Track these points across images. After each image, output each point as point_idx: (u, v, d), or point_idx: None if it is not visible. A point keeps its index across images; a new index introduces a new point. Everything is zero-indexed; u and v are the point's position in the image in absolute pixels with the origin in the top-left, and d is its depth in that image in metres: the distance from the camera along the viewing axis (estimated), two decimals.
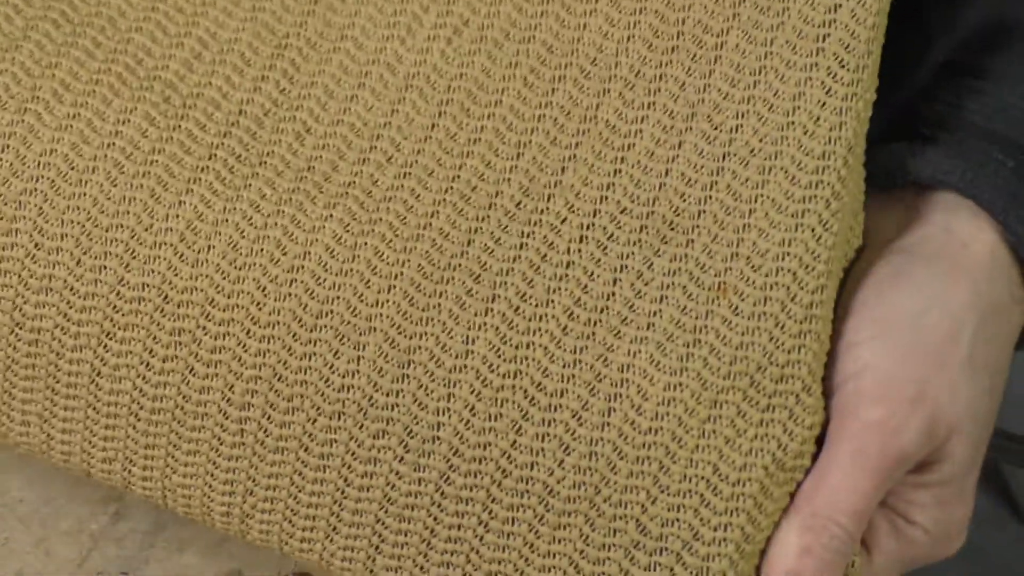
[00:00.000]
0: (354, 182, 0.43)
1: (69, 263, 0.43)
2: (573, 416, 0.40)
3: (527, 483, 0.41)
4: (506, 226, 0.42)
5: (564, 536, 0.41)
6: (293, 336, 0.41)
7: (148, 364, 0.43)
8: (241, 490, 0.43)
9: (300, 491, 0.43)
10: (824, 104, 0.40)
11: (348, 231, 0.42)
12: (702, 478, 0.40)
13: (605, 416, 0.40)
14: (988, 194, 0.42)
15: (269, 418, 0.42)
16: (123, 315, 0.43)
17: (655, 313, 0.40)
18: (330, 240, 0.42)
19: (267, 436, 0.42)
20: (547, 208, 0.42)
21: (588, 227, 0.41)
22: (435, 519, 0.41)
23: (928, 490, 0.41)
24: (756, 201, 0.40)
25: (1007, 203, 0.42)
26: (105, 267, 0.43)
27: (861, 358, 0.40)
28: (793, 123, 0.40)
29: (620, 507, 0.40)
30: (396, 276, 0.41)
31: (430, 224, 0.42)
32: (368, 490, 0.42)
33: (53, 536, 0.49)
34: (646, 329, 0.40)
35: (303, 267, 0.41)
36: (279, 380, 0.42)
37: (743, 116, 0.41)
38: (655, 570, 0.40)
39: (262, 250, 0.42)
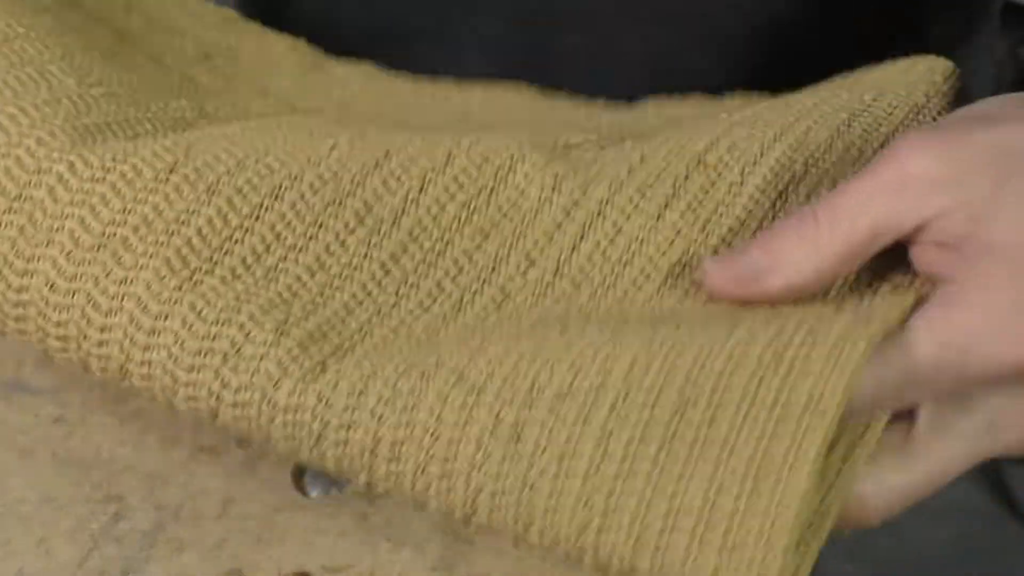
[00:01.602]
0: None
1: None
2: (545, 234, 0.42)
3: (483, 283, 0.42)
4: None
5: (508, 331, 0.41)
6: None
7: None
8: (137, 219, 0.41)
9: (215, 233, 0.41)
10: None
11: None
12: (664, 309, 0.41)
13: (577, 240, 0.42)
14: None
15: (209, 166, 0.42)
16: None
17: (637, 165, 0.43)
18: None
19: (200, 179, 0.42)
20: None
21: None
22: (368, 294, 0.41)
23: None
24: None
25: None
26: None
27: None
28: None
29: (582, 315, 0.41)
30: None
31: None
32: (300, 251, 0.41)
33: (53, 536, 0.49)
34: (627, 174, 0.43)
35: None
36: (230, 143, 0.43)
37: None
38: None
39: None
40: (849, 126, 0.45)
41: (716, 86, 0.61)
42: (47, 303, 0.41)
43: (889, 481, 0.39)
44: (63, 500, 0.50)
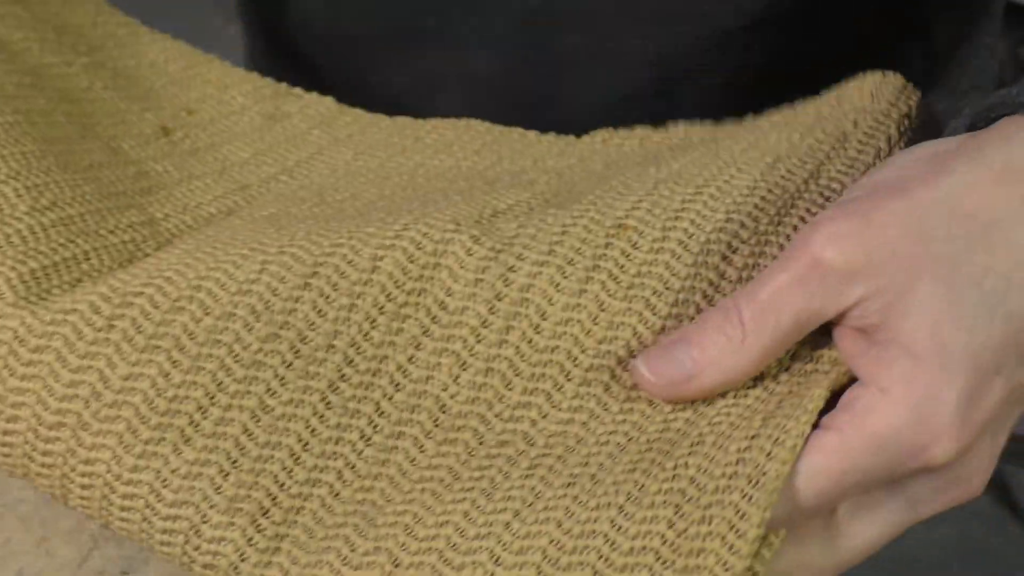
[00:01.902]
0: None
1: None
2: (472, 332, 0.41)
3: (419, 397, 0.41)
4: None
5: (449, 450, 0.40)
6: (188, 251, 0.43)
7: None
8: (87, 391, 0.41)
9: (159, 394, 0.41)
10: None
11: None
12: (593, 396, 0.41)
13: (503, 333, 0.41)
14: None
15: (147, 315, 0.42)
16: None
17: (557, 240, 0.42)
18: None
19: (138, 332, 0.41)
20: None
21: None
22: (312, 431, 0.40)
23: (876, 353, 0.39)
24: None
25: None
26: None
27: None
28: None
29: (511, 422, 0.41)
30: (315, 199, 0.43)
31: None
32: (243, 396, 0.40)
33: (53, 536, 0.49)
34: (547, 254, 0.42)
35: None
36: (167, 282, 0.42)
37: None
38: (535, 471, 0.39)
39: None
40: (773, 168, 0.45)
41: (716, 85, 0.61)
42: (31, 460, 0.43)
43: (814, 563, 0.40)
44: None
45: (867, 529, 0.40)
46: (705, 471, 0.38)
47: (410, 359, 0.42)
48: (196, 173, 0.53)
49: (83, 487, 0.41)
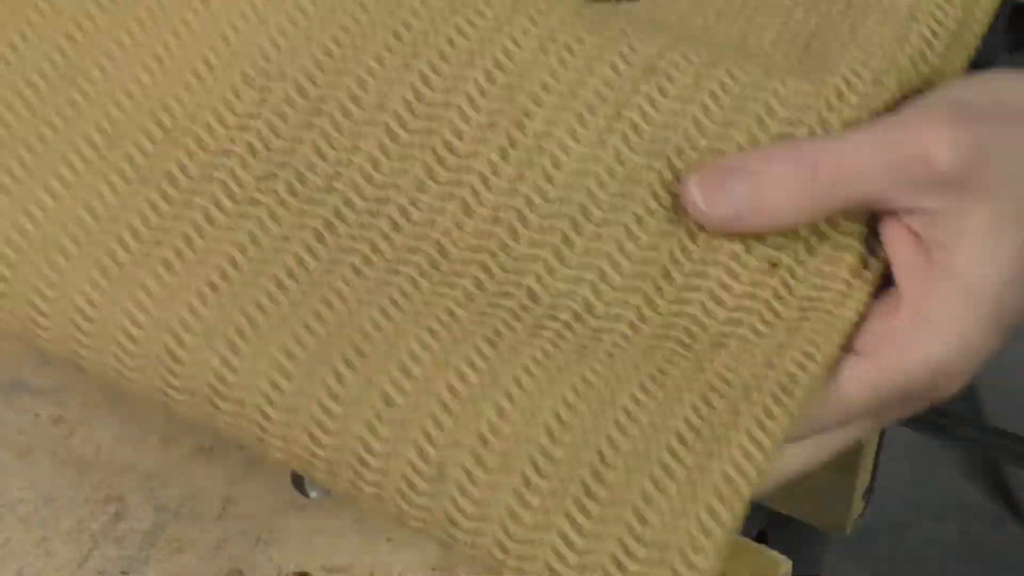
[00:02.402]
0: None
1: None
2: (480, 178, 0.39)
3: (417, 240, 0.39)
4: None
5: (447, 292, 0.38)
6: (196, 76, 0.41)
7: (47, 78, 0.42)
8: (69, 217, 0.40)
9: (146, 225, 0.39)
10: None
11: None
12: (605, 253, 0.39)
13: (514, 182, 0.39)
14: None
15: (140, 147, 0.40)
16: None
17: (579, 83, 0.39)
18: None
19: (129, 165, 0.40)
20: None
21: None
22: (301, 263, 0.39)
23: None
24: None
25: None
26: None
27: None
28: None
29: (514, 274, 0.39)
30: (316, 29, 0.40)
31: None
32: (232, 231, 0.39)
33: (53, 536, 0.49)
34: (568, 96, 0.39)
35: (222, 18, 0.41)
36: (165, 111, 0.41)
37: None
38: (542, 332, 0.38)
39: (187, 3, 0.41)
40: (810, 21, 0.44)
41: None
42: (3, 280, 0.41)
43: (801, 457, 0.40)
44: (63, 500, 0.50)
45: (839, 437, 0.41)
46: (732, 369, 0.37)
47: (412, 202, 0.40)
48: None
49: (48, 315, 0.39)
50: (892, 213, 0.39)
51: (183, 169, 0.40)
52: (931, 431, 0.60)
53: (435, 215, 0.40)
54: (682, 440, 0.36)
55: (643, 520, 0.35)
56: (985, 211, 0.37)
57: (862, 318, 0.39)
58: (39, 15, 0.43)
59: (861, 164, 0.38)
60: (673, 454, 0.35)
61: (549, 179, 0.40)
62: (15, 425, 0.52)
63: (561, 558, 0.35)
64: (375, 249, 0.39)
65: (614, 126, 0.40)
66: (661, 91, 0.40)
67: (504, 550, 0.36)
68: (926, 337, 0.37)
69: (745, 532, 0.59)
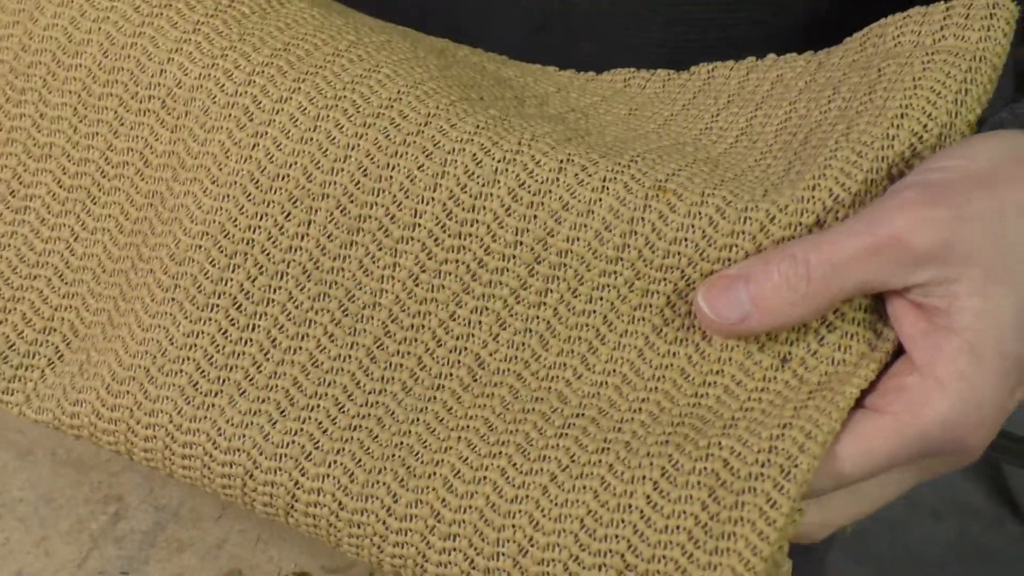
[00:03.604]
0: (324, 65, 0.44)
1: (67, 131, 0.46)
2: (512, 293, 0.43)
3: (459, 353, 0.43)
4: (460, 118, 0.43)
5: (485, 403, 0.42)
6: (247, 196, 0.43)
7: (120, 227, 0.45)
8: (155, 347, 0.43)
9: (218, 350, 0.42)
10: None
11: (312, 103, 0.43)
12: (627, 360, 0.42)
13: (542, 296, 0.43)
14: None
15: (206, 274, 0.43)
16: (108, 180, 0.45)
17: (596, 201, 0.42)
18: (295, 110, 0.43)
19: (199, 292, 0.43)
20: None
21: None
22: (357, 383, 0.42)
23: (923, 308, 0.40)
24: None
25: None
26: (97, 134, 0.45)
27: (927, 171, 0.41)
28: None
29: (547, 380, 0.43)
30: (353, 147, 0.43)
31: (391, 106, 0.43)
32: (295, 352, 0.43)
33: (53, 536, 0.49)
34: (586, 215, 0.43)
35: (267, 133, 0.43)
36: (225, 237, 0.43)
37: None
38: (569, 430, 0.41)
39: (231, 115, 0.43)
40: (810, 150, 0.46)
41: None
42: (99, 418, 0.44)
43: (830, 522, 0.42)
44: (62, 500, 0.50)
45: (886, 492, 0.42)
46: (738, 455, 0.39)
47: (451, 316, 0.43)
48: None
49: (146, 439, 0.43)
50: (892, 292, 0.41)
51: (246, 294, 0.43)
52: None
53: (472, 329, 0.43)
54: (693, 539, 0.38)
55: None
56: (974, 272, 0.40)
57: (879, 379, 0.41)
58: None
59: (847, 255, 0.40)
60: (686, 554, 0.38)
61: (574, 293, 0.43)
62: (15, 425, 0.52)
63: None
64: (421, 365, 0.43)
65: (629, 242, 0.42)
66: (671, 207, 0.42)
67: None
68: (937, 396, 0.39)
69: None
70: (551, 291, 0.43)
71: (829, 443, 0.39)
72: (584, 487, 0.40)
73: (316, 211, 0.43)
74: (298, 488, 0.41)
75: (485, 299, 0.43)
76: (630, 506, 0.39)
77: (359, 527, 0.41)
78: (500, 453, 0.41)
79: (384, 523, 0.41)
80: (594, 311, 0.43)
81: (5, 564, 0.48)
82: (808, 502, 0.41)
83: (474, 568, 0.40)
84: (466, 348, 0.43)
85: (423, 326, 0.43)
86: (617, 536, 0.39)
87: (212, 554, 0.48)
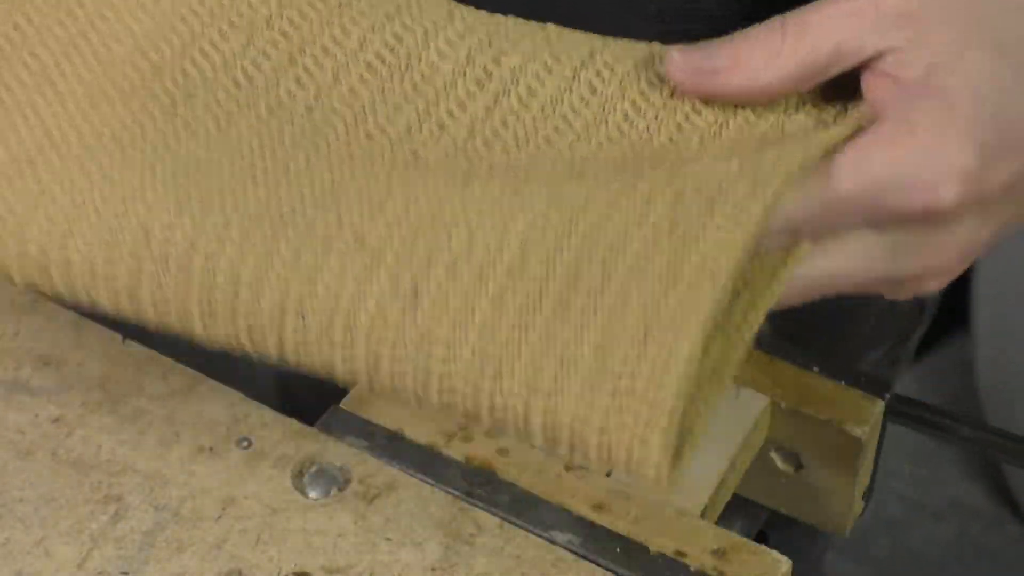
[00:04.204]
0: None
1: None
2: (457, 103, 0.43)
3: (393, 146, 0.43)
4: None
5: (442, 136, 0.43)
6: (183, 20, 0.45)
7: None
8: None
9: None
10: None
11: None
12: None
13: (490, 108, 0.43)
14: None
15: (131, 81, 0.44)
16: None
17: (544, 40, 0.44)
18: None
19: (118, 91, 0.44)
20: None
21: None
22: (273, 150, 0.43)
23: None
24: None
25: None
26: None
27: None
28: None
29: (493, 140, 0.42)
30: None
31: None
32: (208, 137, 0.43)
33: (53, 536, 0.49)
34: (543, 47, 0.44)
35: None
36: (154, 51, 0.45)
37: None
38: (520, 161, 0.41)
39: None
40: None
41: None
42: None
43: (805, 273, 0.41)
44: (62, 500, 0.50)
45: (848, 256, 0.41)
46: (703, 176, 0.38)
47: (388, 119, 0.43)
48: None
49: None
50: (867, 66, 0.41)
51: (168, 93, 0.43)
52: (931, 431, 0.60)
53: (413, 131, 0.42)
54: (657, 234, 0.37)
55: (627, 303, 0.37)
56: (949, 33, 0.40)
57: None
58: None
59: (822, 15, 0.40)
60: (653, 244, 0.37)
61: (526, 105, 0.42)
62: (15, 425, 0.52)
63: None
64: (351, 155, 0.42)
65: (582, 72, 0.42)
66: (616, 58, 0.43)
67: (483, 369, 0.38)
68: (908, 138, 0.39)
69: (745, 532, 0.60)
70: (500, 103, 0.43)
71: (808, 164, 0.38)
72: (536, 192, 0.39)
73: (255, 36, 0.44)
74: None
75: (429, 107, 0.43)
76: (585, 207, 0.38)
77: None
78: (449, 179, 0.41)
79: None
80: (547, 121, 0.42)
81: (5, 564, 0.48)
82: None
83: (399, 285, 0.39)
84: (403, 144, 0.43)
85: (356, 130, 0.43)
86: (572, 233, 0.38)
87: (212, 554, 0.48)
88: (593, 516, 0.49)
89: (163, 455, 0.51)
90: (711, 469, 0.54)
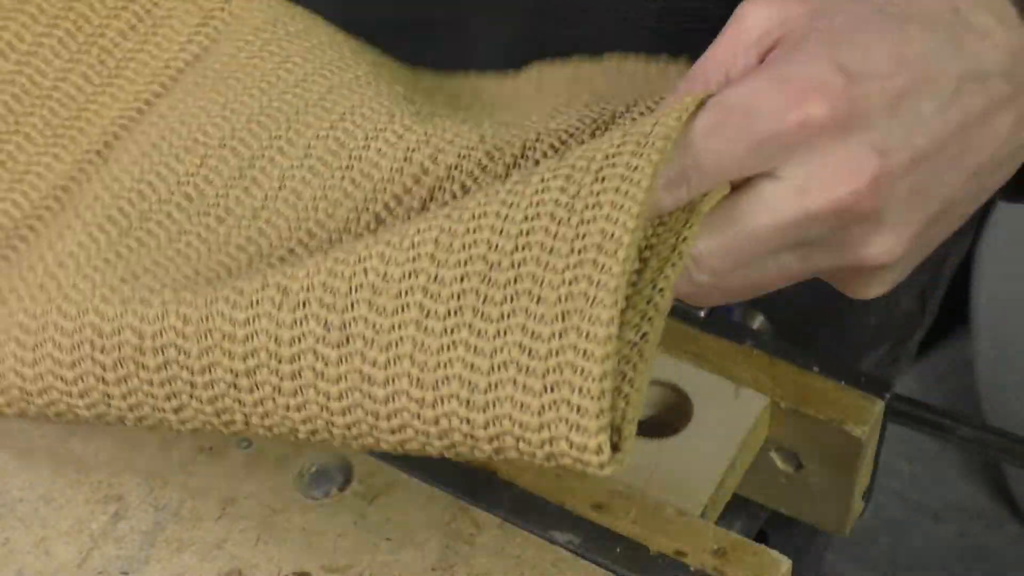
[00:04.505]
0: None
1: None
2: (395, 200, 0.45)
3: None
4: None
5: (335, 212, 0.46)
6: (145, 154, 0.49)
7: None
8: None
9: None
10: None
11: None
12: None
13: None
14: None
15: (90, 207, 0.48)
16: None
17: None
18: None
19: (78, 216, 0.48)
20: None
21: None
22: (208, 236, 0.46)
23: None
24: None
25: None
26: None
27: None
28: None
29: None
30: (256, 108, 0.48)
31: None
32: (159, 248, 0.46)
33: (53, 536, 0.49)
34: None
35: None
36: (115, 180, 0.48)
37: None
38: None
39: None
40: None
41: None
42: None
43: (704, 243, 0.40)
44: (63, 500, 0.50)
45: (755, 213, 0.40)
46: (590, 152, 0.39)
47: (329, 215, 0.45)
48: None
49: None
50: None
51: (125, 215, 0.46)
52: (931, 431, 0.60)
53: (351, 225, 0.45)
54: (555, 218, 0.38)
55: (540, 297, 0.37)
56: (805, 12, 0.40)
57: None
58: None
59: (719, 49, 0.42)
60: (554, 230, 0.38)
61: (458, 199, 0.44)
62: (15, 425, 0.52)
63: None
64: (292, 253, 0.45)
65: (514, 169, 0.45)
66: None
67: (423, 399, 0.39)
68: (766, 70, 0.39)
69: (745, 532, 0.60)
70: (435, 198, 0.45)
71: (683, 119, 0.39)
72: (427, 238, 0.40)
73: (209, 156, 0.47)
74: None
75: (366, 202, 0.45)
76: (477, 238, 0.38)
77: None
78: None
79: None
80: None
81: (5, 564, 0.48)
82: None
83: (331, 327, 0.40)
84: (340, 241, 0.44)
85: (298, 228, 0.45)
86: (473, 257, 0.39)
87: (212, 554, 0.48)
88: (593, 516, 0.49)
89: (164, 455, 0.51)
90: (711, 469, 0.54)
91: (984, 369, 1.47)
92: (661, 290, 0.39)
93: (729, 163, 0.39)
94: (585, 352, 0.36)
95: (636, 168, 0.37)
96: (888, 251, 0.40)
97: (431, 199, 0.44)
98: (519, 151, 0.44)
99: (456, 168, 0.44)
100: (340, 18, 0.67)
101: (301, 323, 0.40)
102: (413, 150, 0.45)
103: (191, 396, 0.42)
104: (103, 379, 0.43)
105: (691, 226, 0.39)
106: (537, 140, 0.44)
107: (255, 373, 0.40)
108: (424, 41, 0.64)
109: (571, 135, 0.44)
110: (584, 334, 0.36)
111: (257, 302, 0.40)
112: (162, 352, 0.42)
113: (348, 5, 0.66)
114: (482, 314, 0.38)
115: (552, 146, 0.44)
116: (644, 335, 0.38)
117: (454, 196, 0.44)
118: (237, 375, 0.41)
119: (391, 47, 0.65)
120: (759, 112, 0.38)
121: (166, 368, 0.42)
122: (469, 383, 0.38)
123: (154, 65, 0.52)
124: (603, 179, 0.38)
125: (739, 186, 0.40)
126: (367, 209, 0.44)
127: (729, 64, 0.41)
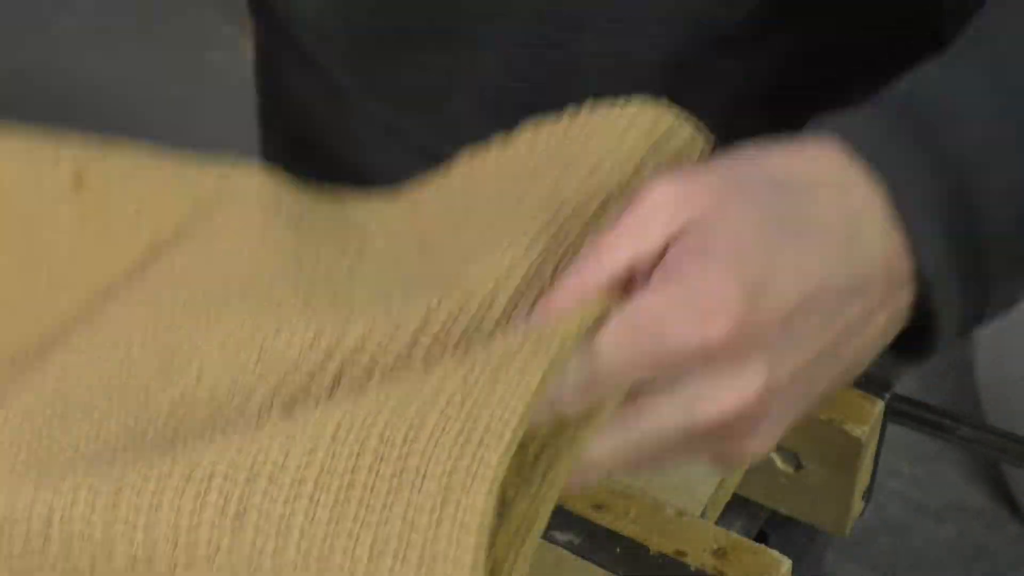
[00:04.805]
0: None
1: None
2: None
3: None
4: None
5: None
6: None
7: None
8: None
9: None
10: None
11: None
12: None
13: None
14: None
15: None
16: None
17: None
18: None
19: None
20: None
21: None
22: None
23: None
24: None
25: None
26: None
27: None
28: None
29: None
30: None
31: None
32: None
33: None
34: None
35: None
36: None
37: None
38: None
39: None
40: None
41: (736, 87, 0.61)
42: None
43: (594, 456, 0.42)
44: None
45: (648, 421, 0.42)
46: (491, 350, 0.41)
47: (244, 403, 0.46)
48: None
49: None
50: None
51: (47, 420, 0.47)
52: (931, 431, 0.60)
53: (262, 412, 0.46)
54: (451, 405, 0.40)
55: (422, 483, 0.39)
56: (710, 195, 0.41)
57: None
58: None
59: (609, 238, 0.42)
60: (448, 418, 0.40)
61: (368, 374, 0.46)
62: None
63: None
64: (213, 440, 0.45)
65: (417, 343, 0.46)
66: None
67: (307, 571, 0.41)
68: (671, 286, 0.40)
69: (745, 532, 0.60)
70: (343, 378, 0.46)
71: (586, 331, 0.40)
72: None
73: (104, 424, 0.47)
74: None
75: (277, 387, 0.46)
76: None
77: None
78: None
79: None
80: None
81: None
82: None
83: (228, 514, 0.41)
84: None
85: (211, 423, 0.46)
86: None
87: None
88: (593, 516, 0.49)
89: None
90: (711, 469, 0.54)
91: (984, 369, 1.47)
92: (551, 482, 0.42)
93: (633, 376, 0.41)
94: (463, 525, 0.39)
95: (528, 371, 0.40)
96: (764, 444, 0.43)
97: (341, 375, 0.46)
98: (420, 322, 0.46)
99: (360, 350, 0.46)
100: (342, 28, 0.67)
101: (205, 496, 0.41)
102: (319, 335, 0.46)
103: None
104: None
105: (592, 426, 0.42)
106: (439, 305, 0.46)
107: (154, 559, 0.42)
108: (425, 52, 0.64)
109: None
110: (464, 508, 0.39)
111: (165, 477, 0.42)
112: (70, 537, 0.43)
113: (350, 17, 0.66)
114: (369, 500, 0.40)
115: (452, 316, 0.46)
116: (534, 515, 0.42)
117: (364, 370, 0.46)
118: (136, 560, 0.42)
119: (392, 56, 0.65)
120: (664, 335, 0.40)
121: (80, 550, 0.43)
122: (353, 557, 0.40)
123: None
124: (498, 377, 0.40)
125: (633, 393, 0.42)
126: (279, 394, 0.46)
127: (636, 246, 0.42)
